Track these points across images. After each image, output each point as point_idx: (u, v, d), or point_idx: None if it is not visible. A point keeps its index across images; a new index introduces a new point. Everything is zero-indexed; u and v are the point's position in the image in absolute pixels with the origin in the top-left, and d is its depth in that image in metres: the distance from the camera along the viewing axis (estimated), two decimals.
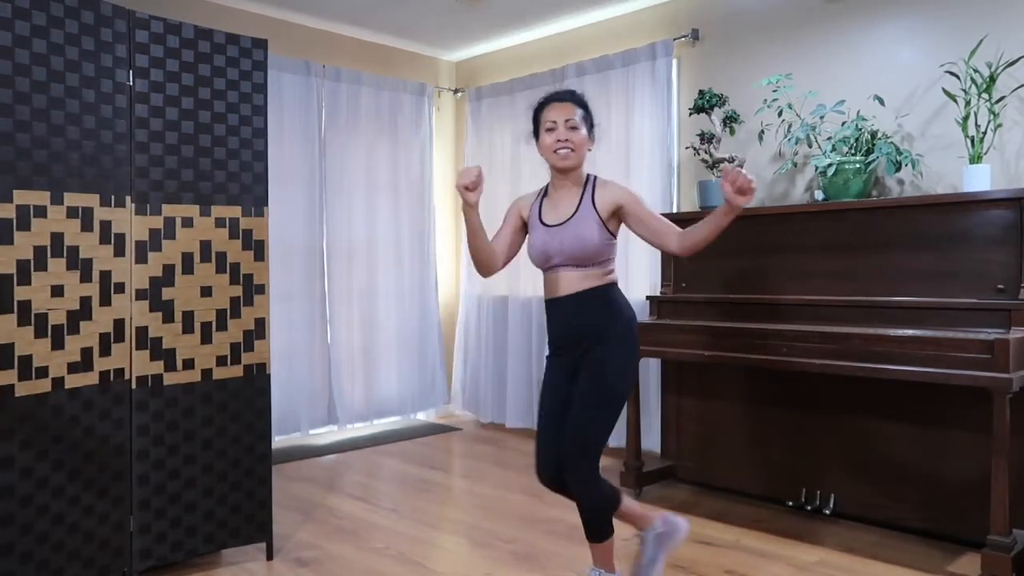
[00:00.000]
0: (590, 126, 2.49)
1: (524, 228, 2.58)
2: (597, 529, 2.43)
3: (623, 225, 2.49)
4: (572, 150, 2.43)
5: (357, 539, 3.22)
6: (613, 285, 2.47)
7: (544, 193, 2.57)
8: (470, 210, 2.38)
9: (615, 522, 2.45)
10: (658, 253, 4.03)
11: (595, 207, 2.43)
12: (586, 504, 2.39)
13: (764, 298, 3.48)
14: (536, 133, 2.52)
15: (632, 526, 2.60)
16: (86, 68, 2.52)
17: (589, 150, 2.49)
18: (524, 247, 2.60)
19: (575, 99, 2.49)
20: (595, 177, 2.52)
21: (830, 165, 3.36)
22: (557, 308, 2.47)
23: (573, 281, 2.43)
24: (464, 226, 5.25)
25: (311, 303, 4.87)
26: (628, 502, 2.54)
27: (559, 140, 2.42)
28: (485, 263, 2.53)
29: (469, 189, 2.31)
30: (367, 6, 4.63)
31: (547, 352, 2.58)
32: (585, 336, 2.41)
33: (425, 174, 5.44)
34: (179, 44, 2.75)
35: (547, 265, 2.47)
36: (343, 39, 5.13)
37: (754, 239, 3.59)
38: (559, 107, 2.46)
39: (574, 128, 2.43)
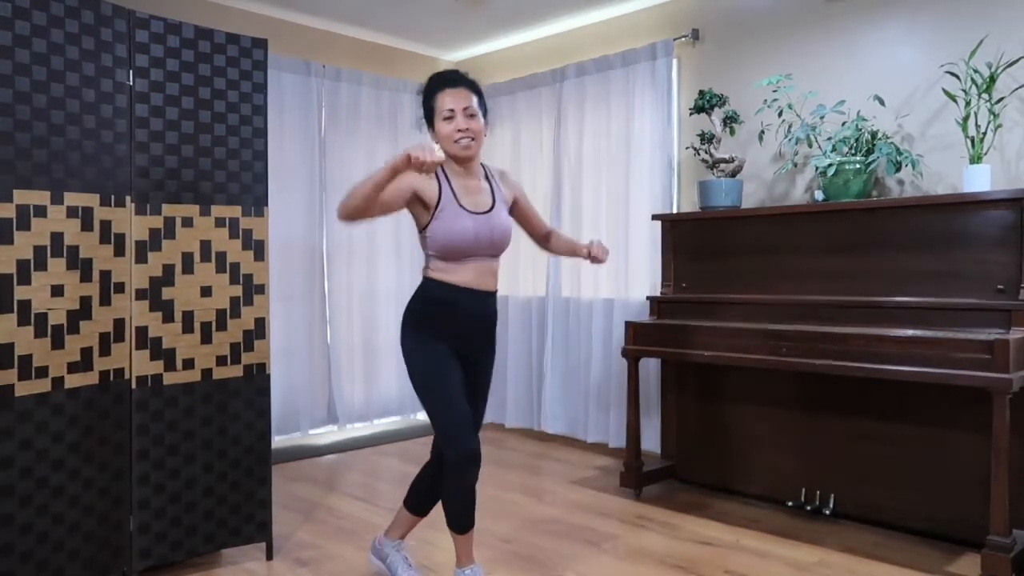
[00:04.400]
0: (485, 111, 2.43)
1: (412, 201, 2.36)
2: (469, 515, 2.50)
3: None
4: (473, 139, 2.37)
5: (357, 539, 3.22)
6: None
7: (445, 176, 2.39)
8: (395, 174, 2.16)
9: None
10: (659, 253, 4.03)
11: (504, 196, 2.49)
12: (473, 492, 2.47)
13: (764, 298, 3.48)
14: (429, 120, 2.43)
15: (394, 532, 2.74)
16: (86, 68, 2.52)
17: (485, 136, 2.44)
18: (434, 232, 2.37)
19: (469, 84, 2.41)
20: (486, 166, 2.53)
21: (830, 165, 3.36)
22: (474, 302, 2.43)
23: (490, 274, 2.45)
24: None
25: (311, 303, 4.86)
26: (417, 520, 2.72)
27: (459, 130, 2.34)
28: (362, 214, 2.27)
29: (422, 169, 2.10)
30: (367, 6, 4.63)
31: (426, 335, 2.42)
32: (488, 336, 2.52)
33: None
34: (179, 44, 2.75)
35: (468, 253, 2.37)
36: (343, 39, 5.13)
37: (754, 239, 3.59)
38: (454, 93, 2.36)
39: (472, 116, 2.36)
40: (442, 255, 2.39)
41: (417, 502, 2.69)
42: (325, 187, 4.94)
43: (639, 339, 3.67)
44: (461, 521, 2.46)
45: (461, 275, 2.39)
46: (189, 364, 2.79)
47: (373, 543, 2.82)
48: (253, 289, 2.94)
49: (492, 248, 2.43)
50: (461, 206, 2.38)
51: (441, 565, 2.96)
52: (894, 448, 3.23)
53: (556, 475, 4.16)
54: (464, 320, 2.43)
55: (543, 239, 2.73)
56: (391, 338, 5.25)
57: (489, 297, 2.48)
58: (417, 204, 2.38)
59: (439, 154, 2.10)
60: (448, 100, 2.36)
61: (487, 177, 2.53)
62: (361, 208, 2.25)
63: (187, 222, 2.79)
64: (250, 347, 2.93)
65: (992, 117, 3.12)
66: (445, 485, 2.46)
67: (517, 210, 2.60)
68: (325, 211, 4.94)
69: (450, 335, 2.42)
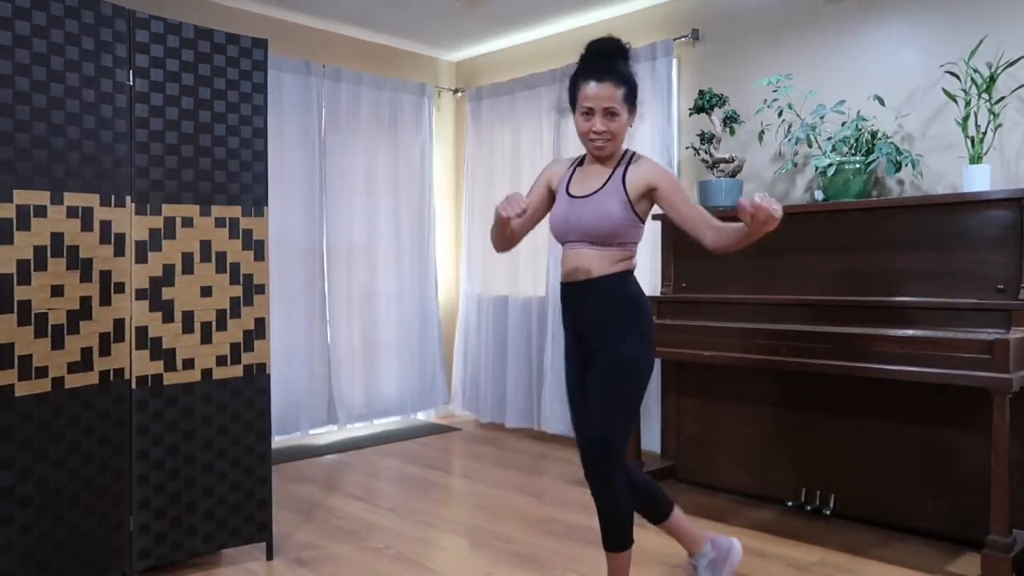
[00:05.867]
0: (632, 104, 2.27)
1: (551, 198, 2.41)
2: (611, 536, 2.29)
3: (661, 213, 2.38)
4: (610, 140, 2.26)
5: (357, 539, 3.22)
6: (629, 273, 2.32)
7: (579, 163, 2.41)
8: (506, 221, 2.22)
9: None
10: (658, 253, 4.03)
11: (624, 184, 2.27)
12: (603, 508, 2.26)
13: (764, 298, 3.48)
14: (573, 104, 2.30)
15: (681, 546, 2.54)
16: (86, 68, 2.52)
17: (630, 127, 2.32)
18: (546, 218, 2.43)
19: (616, 77, 2.22)
20: (632, 153, 2.36)
21: (830, 165, 3.36)
22: (572, 296, 2.32)
23: (588, 261, 2.26)
24: (462, 228, 5.20)
25: (311, 303, 4.86)
26: (678, 517, 2.46)
27: (595, 131, 2.24)
28: (506, 243, 2.41)
29: (512, 217, 2.15)
30: (367, 6, 4.63)
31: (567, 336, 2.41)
32: (599, 328, 2.26)
33: (425, 174, 5.44)
34: (179, 44, 2.75)
35: (564, 239, 2.32)
36: (343, 39, 5.13)
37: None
38: (598, 89, 2.21)
39: (613, 115, 2.23)
40: (557, 241, 2.39)
41: (652, 509, 2.48)
42: (325, 187, 4.94)
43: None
44: (602, 538, 2.32)
45: (565, 266, 2.34)
46: (189, 364, 2.79)
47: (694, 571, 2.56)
48: (253, 289, 2.94)
49: (580, 233, 2.26)
50: (567, 191, 2.34)
51: (442, 565, 2.96)
52: (894, 448, 3.22)
53: (556, 475, 4.16)
54: (571, 318, 2.35)
55: (707, 235, 2.23)
56: (391, 338, 5.26)
57: (592, 290, 2.28)
58: (552, 193, 2.42)
59: (517, 208, 2.11)
60: (590, 94, 2.22)
61: (619, 162, 2.34)
62: (504, 239, 2.39)
63: (187, 222, 2.79)
64: (250, 347, 2.93)
65: (992, 117, 3.12)
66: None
67: (660, 200, 2.29)
68: (325, 211, 4.94)
69: (569, 333, 2.38)
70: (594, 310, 2.28)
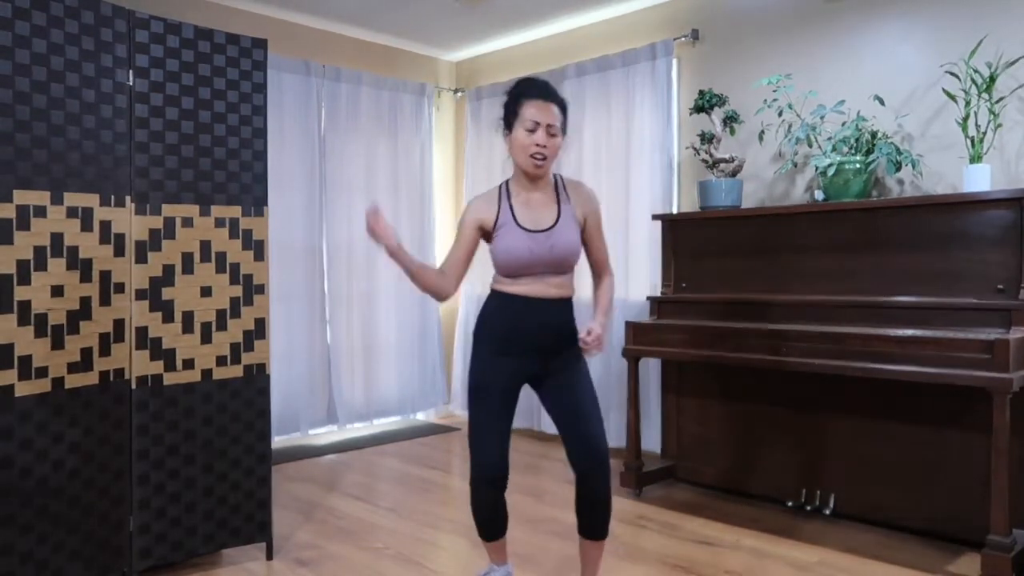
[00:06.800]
0: (565, 130, 2.35)
1: (481, 237, 2.41)
2: (606, 523, 2.41)
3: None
4: (546, 158, 2.29)
5: (357, 539, 3.22)
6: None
7: (507, 193, 2.39)
8: (398, 253, 2.30)
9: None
10: (659, 253, 4.03)
11: (572, 211, 2.37)
12: (605, 497, 2.37)
13: (764, 298, 3.48)
14: (508, 123, 2.33)
15: (499, 555, 2.59)
16: (86, 68, 2.52)
17: (558, 156, 2.37)
18: (493, 251, 2.39)
19: (558, 100, 2.31)
20: (560, 176, 2.43)
21: (830, 165, 3.36)
22: (537, 309, 2.34)
23: (554, 288, 2.35)
24: None
25: (311, 303, 4.87)
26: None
27: (537, 145, 2.26)
28: (439, 292, 2.41)
29: (379, 235, 2.25)
30: (367, 6, 4.63)
31: (487, 349, 2.39)
32: (565, 344, 2.38)
33: (425, 174, 5.44)
34: (179, 44, 2.75)
35: (524, 272, 2.32)
36: (343, 39, 5.13)
37: (754, 239, 3.59)
38: (543, 107, 2.27)
39: (554, 135, 2.28)
40: (502, 272, 2.38)
41: (505, 523, 2.58)
42: (325, 187, 4.94)
43: (639, 339, 3.67)
44: (600, 530, 2.42)
45: (523, 287, 2.35)
46: (189, 364, 2.79)
47: None
48: (253, 289, 2.94)
49: (548, 266, 2.32)
50: (518, 224, 2.32)
51: (442, 565, 2.96)
52: (894, 448, 3.22)
53: (556, 475, 4.16)
54: (530, 329, 2.36)
55: (594, 275, 2.51)
56: (391, 338, 5.26)
57: (559, 307, 2.38)
58: (485, 233, 2.40)
59: (369, 209, 2.27)
60: (535, 111, 2.27)
61: (556, 189, 2.40)
62: (433, 291, 2.40)
63: (187, 222, 2.79)
64: (250, 347, 2.93)
65: (992, 117, 3.12)
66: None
67: (585, 228, 2.42)
68: (325, 211, 4.94)
69: (515, 348, 2.37)
70: (561, 325, 2.40)
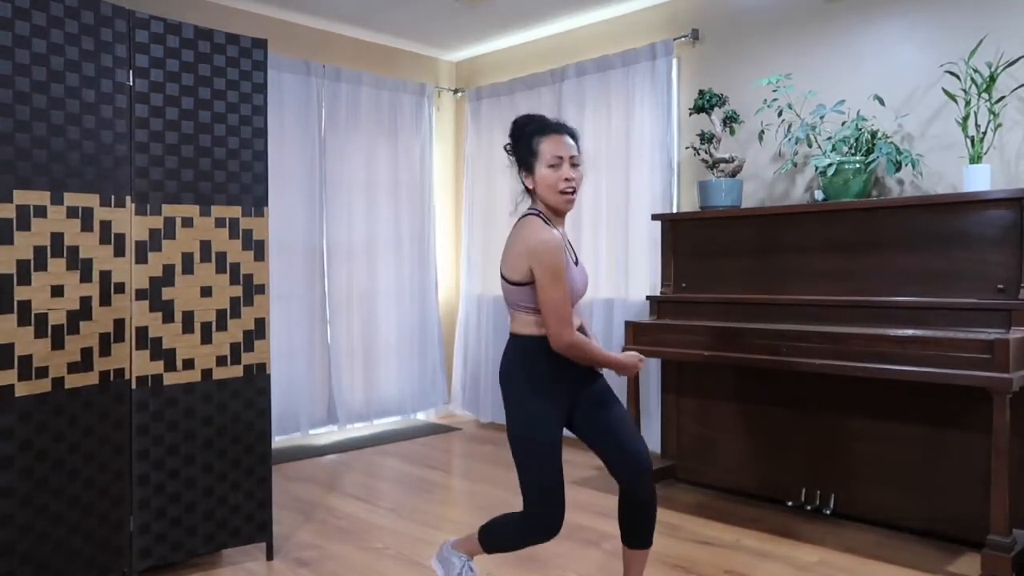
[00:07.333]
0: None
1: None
2: (652, 532, 2.39)
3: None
4: (575, 191, 2.24)
5: (357, 539, 3.22)
6: None
7: (551, 226, 2.29)
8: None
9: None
10: (659, 253, 4.03)
11: None
12: (654, 507, 2.36)
13: (764, 298, 3.48)
14: (525, 162, 2.27)
15: (463, 548, 2.53)
16: (86, 68, 2.52)
17: None
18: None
19: (570, 131, 2.29)
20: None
21: (830, 165, 3.36)
22: None
23: (575, 322, 2.32)
24: (462, 228, 5.20)
25: (311, 303, 4.87)
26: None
27: (567, 179, 2.21)
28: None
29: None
30: (367, 6, 4.63)
31: (542, 393, 2.25)
32: (584, 373, 2.32)
33: (425, 174, 5.44)
34: (179, 44, 2.75)
35: (573, 303, 2.28)
36: (343, 39, 5.13)
37: (754, 239, 3.59)
38: (560, 141, 2.23)
39: (576, 166, 2.25)
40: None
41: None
42: (325, 187, 4.94)
43: (639, 339, 3.67)
44: (646, 538, 2.41)
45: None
46: (189, 364, 2.79)
47: None
48: (253, 289, 2.94)
49: (575, 300, 2.29)
50: (572, 259, 2.28)
51: None
52: (894, 448, 3.23)
53: None
54: (570, 365, 2.30)
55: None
56: (391, 338, 5.26)
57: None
58: None
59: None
60: (555, 146, 2.22)
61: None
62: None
63: (187, 222, 2.79)
64: (250, 347, 2.93)
65: (992, 117, 3.12)
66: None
67: None
68: (325, 211, 4.94)
69: (562, 385, 2.30)
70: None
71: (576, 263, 2.32)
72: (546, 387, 2.24)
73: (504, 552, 2.46)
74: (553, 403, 2.25)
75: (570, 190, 2.23)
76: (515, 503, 3.70)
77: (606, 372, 2.46)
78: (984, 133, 3.11)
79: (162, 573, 2.82)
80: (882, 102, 3.48)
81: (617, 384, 4.43)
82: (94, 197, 2.55)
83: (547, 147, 2.23)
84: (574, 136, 2.31)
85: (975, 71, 3.13)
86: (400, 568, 2.92)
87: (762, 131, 3.79)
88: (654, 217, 4.04)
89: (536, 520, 2.28)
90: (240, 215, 2.91)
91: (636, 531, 2.36)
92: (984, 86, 3.10)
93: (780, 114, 3.71)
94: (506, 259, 2.25)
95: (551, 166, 2.22)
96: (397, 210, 5.29)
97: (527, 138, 2.28)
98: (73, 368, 2.49)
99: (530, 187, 2.29)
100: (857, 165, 3.35)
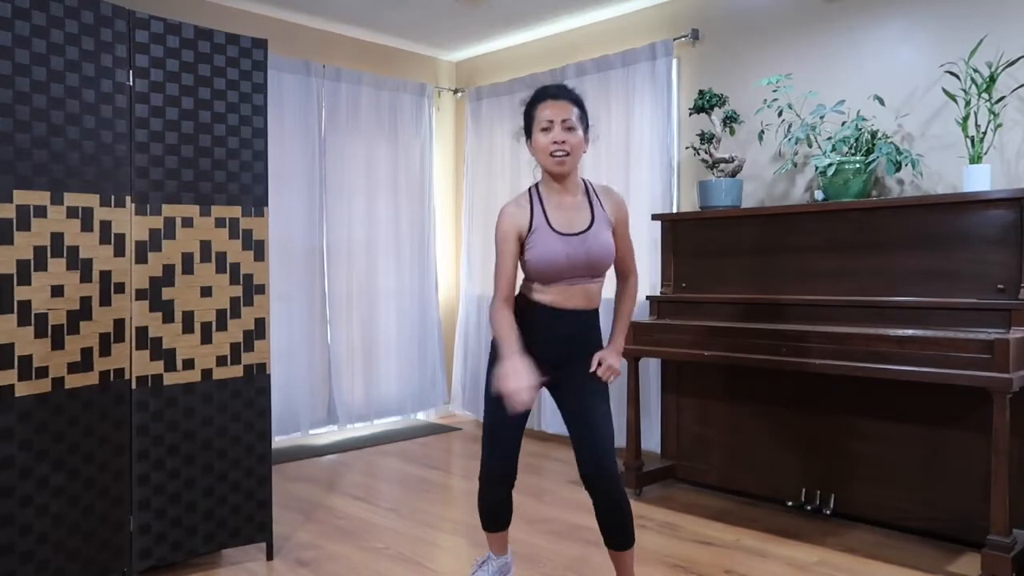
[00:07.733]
0: (586, 126, 2.32)
1: (521, 250, 2.35)
2: (631, 532, 2.33)
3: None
4: (568, 154, 2.26)
5: (357, 539, 3.22)
6: None
7: (539, 197, 2.35)
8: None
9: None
10: (659, 253, 4.03)
11: (605, 215, 2.35)
12: (625, 504, 2.30)
13: (764, 298, 3.48)
14: (528, 131, 2.34)
15: (501, 546, 2.58)
16: (86, 68, 2.52)
17: (584, 152, 2.34)
18: (528, 257, 2.33)
19: (571, 97, 2.31)
20: (590, 182, 2.41)
21: (830, 165, 3.36)
22: (564, 320, 2.33)
23: (591, 294, 2.34)
24: (462, 228, 5.21)
25: (311, 303, 4.87)
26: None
27: (555, 142, 2.25)
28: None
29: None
30: (367, 6, 4.63)
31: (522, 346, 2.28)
32: (583, 352, 2.36)
33: (425, 174, 5.44)
34: (179, 44, 2.75)
35: (562, 276, 2.29)
36: (343, 39, 5.13)
37: (754, 239, 3.59)
38: (555, 105, 2.27)
39: (571, 129, 2.26)
40: (535, 278, 2.33)
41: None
42: (325, 187, 4.94)
43: (639, 339, 3.67)
44: (623, 539, 2.37)
45: (559, 296, 2.32)
46: (189, 364, 2.79)
47: None
48: (253, 289, 2.94)
49: (589, 270, 2.30)
50: (552, 228, 2.29)
51: (442, 565, 2.96)
52: (894, 448, 3.22)
53: (556, 475, 4.16)
54: (554, 339, 2.34)
55: (618, 280, 2.50)
56: (391, 338, 5.26)
57: (588, 317, 2.37)
58: (520, 240, 2.34)
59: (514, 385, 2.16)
60: (547, 111, 2.27)
61: (587, 193, 2.38)
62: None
63: (187, 222, 2.79)
64: (250, 347, 2.93)
65: (992, 117, 3.12)
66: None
67: (613, 234, 2.38)
68: (325, 211, 4.94)
69: (536, 357, 2.29)
70: (586, 335, 2.39)
71: (570, 233, 2.29)
72: (527, 342, 2.29)
73: (482, 518, 2.53)
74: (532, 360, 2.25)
75: (560, 152, 2.26)
76: (515, 502, 3.71)
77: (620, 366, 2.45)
78: (984, 133, 3.11)
79: (162, 573, 2.82)
80: (882, 102, 3.48)
81: (617, 384, 4.45)
82: (94, 197, 2.55)
83: (540, 112, 2.29)
84: (577, 102, 2.32)
85: (975, 71, 3.13)
86: (400, 568, 2.92)
87: (762, 131, 3.79)
88: (654, 217, 4.04)
89: (482, 467, 2.42)
90: (240, 215, 2.91)
91: (606, 531, 2.34)
92: (984, 86, 3.10)
93: (780, 114, 3.71)
94: None
95: (543, 130, 2.28)
96: (397, 210, 5.29)
97: (528, 107, 2.36)
98: (73, 368, 2.49)
99: (532, 155, 2.36)
100: (857, 165, 3.35)
